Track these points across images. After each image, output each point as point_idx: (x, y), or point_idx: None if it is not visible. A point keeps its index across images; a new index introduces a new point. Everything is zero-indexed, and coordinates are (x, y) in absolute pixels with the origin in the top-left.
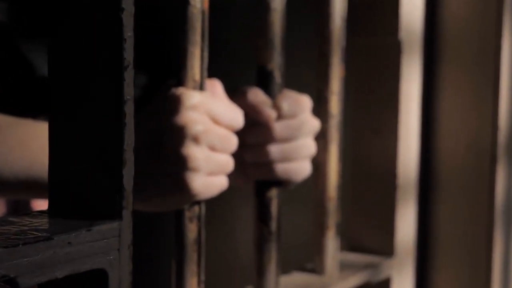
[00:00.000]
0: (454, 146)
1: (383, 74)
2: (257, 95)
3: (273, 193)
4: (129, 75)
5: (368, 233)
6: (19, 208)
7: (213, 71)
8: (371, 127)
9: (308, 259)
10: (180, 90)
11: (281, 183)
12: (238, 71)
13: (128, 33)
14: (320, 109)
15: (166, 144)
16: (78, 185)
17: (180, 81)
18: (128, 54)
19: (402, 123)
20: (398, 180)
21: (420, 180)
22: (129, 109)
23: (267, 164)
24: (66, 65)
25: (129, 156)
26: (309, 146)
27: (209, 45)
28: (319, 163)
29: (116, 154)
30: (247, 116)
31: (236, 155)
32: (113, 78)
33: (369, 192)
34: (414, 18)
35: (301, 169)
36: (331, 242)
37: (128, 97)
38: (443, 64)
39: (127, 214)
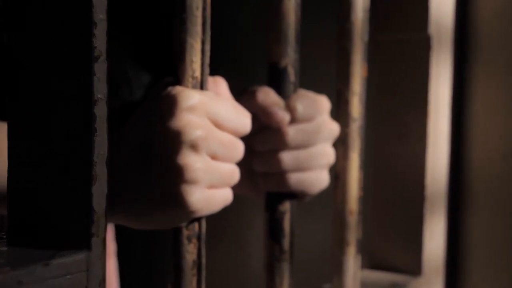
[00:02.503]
0: (488, 154)
1: (410, 73)
2: (268, 96)
3: (286, 206)
4: (100, 68)
5: (393, 250)
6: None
7: (217, 68)
8: (396, 132)
9: (326, 279)
10: (177, 89)
11: (295, 195)
12: (247, 68)
13: (100, 15)
14: (339, 112)
15: (160, 152)
16: (41, 205)
17: (177, 79)
18: (100, 42)
19: (431, 128)
20: (426, 191)
21: (450, 191)
22: (100, 110)
23: (279, 174)
24: (25, 56)
25: (100, 170)
26: (327, 154)
27: (212, 37)
28: (338, 172)
29: (84, 168)
30: (256, 119)
31: (243, 164)
32: (80, 72)
33: (394, 204)
34: (445, 12)
35: (318, 179)
36: (352, 260)
37: (99, 95)
38: (476, 63)
39: (97, 243)
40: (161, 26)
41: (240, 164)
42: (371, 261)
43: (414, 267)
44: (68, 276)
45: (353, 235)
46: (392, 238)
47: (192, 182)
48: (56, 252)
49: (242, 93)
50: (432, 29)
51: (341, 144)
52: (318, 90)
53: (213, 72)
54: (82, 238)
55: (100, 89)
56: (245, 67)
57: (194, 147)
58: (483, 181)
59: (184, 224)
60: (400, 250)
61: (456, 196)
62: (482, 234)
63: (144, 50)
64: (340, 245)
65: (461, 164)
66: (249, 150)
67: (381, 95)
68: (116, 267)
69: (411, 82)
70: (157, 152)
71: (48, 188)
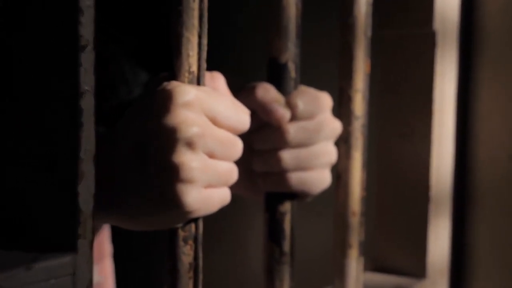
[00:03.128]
0: (494, 154)
1: (414, 70)
2: (267, 92)
3: (286, 207)
4: (87, 59)
5: (397, 252)
6: None
7: (215, 63)
8: (400, 131)
9: (327, 281)
10: (172, 84)
11: (295, 195)
12: (246, 64)
13: (87, 1)
14: (342, 110)
15: (155, 150)
16: (23, 205)
17: (173, 73)
18: (87, 31)
19: (436, 127)
20: (430, 192)
21: (455, 192)
22: (87, 103)
23: (279, 173)
24: (5, 46)
25: (87, 168)
26: (329, 153)
27: (210, 31)
28: (340, 172)
29: (70, 165)
30: (255, 116)
31: (242, 163)
32: (66, 63)
33: (397, 205)
34: (450, 6)
35: (319, 179)
36: (354, 263)
37: (86, 87)
38: (482, 60)
39: (84, 245)
40: (161, 26)
41: (238, 163)
42: (374, 264)
43: (418, 270)
44: (53, 281)
45: (355, 237)
46: (396, 239)
47: (188, 181)
48: (39, 254)
49: (240, 89)
50: (437, 24)
51: (343, 142)
52: (320, 86)
53: (210, 68)
54: (68, 240)
55: (87, 80)
56: (244, 63)
57: (190, 144)
58: (489, 181)
59: (180, 225)
60: (404, 252)
61: (461, 197)
62: (488, 235)
63: (143, 50)
64: (342, 247)
65: (466, 164)
66: (248, 148)
67: (384, 93)
68: (112, 268)
69: (415, 80)
70: (151, 150)
71: (32, 187)
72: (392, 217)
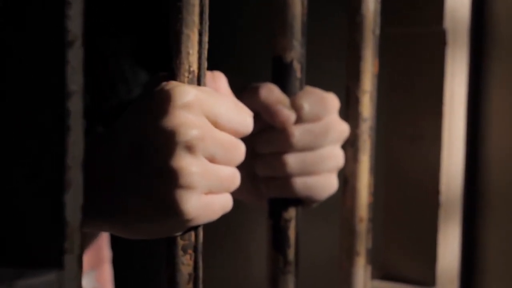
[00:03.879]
0: (506, 157)
1: (423, 70)
2: (271, 92)
3: (291, 214)
4: (75, 56)
5: (405, 260)
6: None
7: (216, 62)
8: (409, 133)
9: None
10: (171, 84)
11: (300, 201)
12: (250, 63)
13: None
14: (349, 111)
15: (152, 154)
16: (5, 217)
17: (173, 73)
18: (74, 25)
19: (446, 129)
20: (440, 197)
21: (466, 197)
22: (75, 105)
23: (284, 178)
24: None
25: (75, 176)
26: (336, 156)
27: (211, 28)
28: (347, 176)
29: (56, 173)
30: (258, 118)
31: (244, 167)
32: (51, 60)
33: (406, 211)
34: (461, 4)
35: (326, 184)
36: (362, 271)
37: (74, 87)
38: (494, 59)
39: (71, 261)
40: (162, 25)
41: (240, 167)
42: (381, 272)
43: (427, 278)
44: None
45: (362, 244)
46: (404, 247)
47: (188, 187)
48: (23, 271)
49: (243, 89)
50: (448, 23)
51: (350, 146)
52: (326, 87)
53: (212, 67)
54: (53, 255)
55: (75, 79)
56: (247, 62)
57: (189, 148)
58: (501, 186)
59: (179, 234)
60: (412, 260)
61: (473, 202)
62: (500, 243)
63: (144, 49)
64: (349, 255)
65: (477, 167)
66: (250, 152)
67: (392, 94)
68: (112, 275)
69: (425, 80)
70: (149, 154)
71: (14, 197)
72: (401, 222)
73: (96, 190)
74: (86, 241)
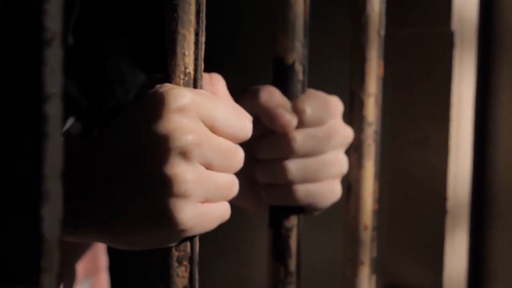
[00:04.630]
0: None
1: (430, 72)
2: (272, 95)
3: (293, 222)
4: (54, 56)
5: (411, 269)
6: None
7: (214, 64)
8: (415, 138)
9: None
10: (166, 87)
11: (302, 209)
12: (249, 65)
13: None
14: (353, 115)
15: (145, 160)
16: None
17: (167, 75)
18: (53, 22)
19: (453, 133)
20: (447, 203)
21: (473, 203)
22: (53, 109)
23: (285, 185)
24: None
25: (54, 187)
26: (340, 162)
27: (208, 28)
28: (351, 182)
29: (32, 184)
30: (258, 122)
31: (243, 174)
32: (28, 60)
33: (412, 218)
34: (469, 5)
35: (329, 191)
36: (366, 282)
37: (52, 89)
38: (502, 62)
39: (49, 280)
40: (161, 25)
41: (239, 173)
42: (386, 281)
43: (434, 286)
44: None
45: (367, 253)
46: (410, 254)
47: (183, 195)
48: None
49: (242, 92)
50: (455, 24)
51: (354, 151)
52: (329, 90)
53: (209, 69)
54: (30, 274)
55: (54, 81)
56: (246, 64)
57: (184, 154)
58: (509, 192)
59: (174, 244)
60: (418, 269)
61: (480, 209)
62: (509, 249)
63: (142, 49)
64: (353, 264)
65: (485, 173)
66: (250, 158)
67: (397, 97)
68: (108, 283)
69: (432, 83)
70: (142, 161)
71: None
72: (406, 230)
73: (89, 198)
74: (81, 249)
